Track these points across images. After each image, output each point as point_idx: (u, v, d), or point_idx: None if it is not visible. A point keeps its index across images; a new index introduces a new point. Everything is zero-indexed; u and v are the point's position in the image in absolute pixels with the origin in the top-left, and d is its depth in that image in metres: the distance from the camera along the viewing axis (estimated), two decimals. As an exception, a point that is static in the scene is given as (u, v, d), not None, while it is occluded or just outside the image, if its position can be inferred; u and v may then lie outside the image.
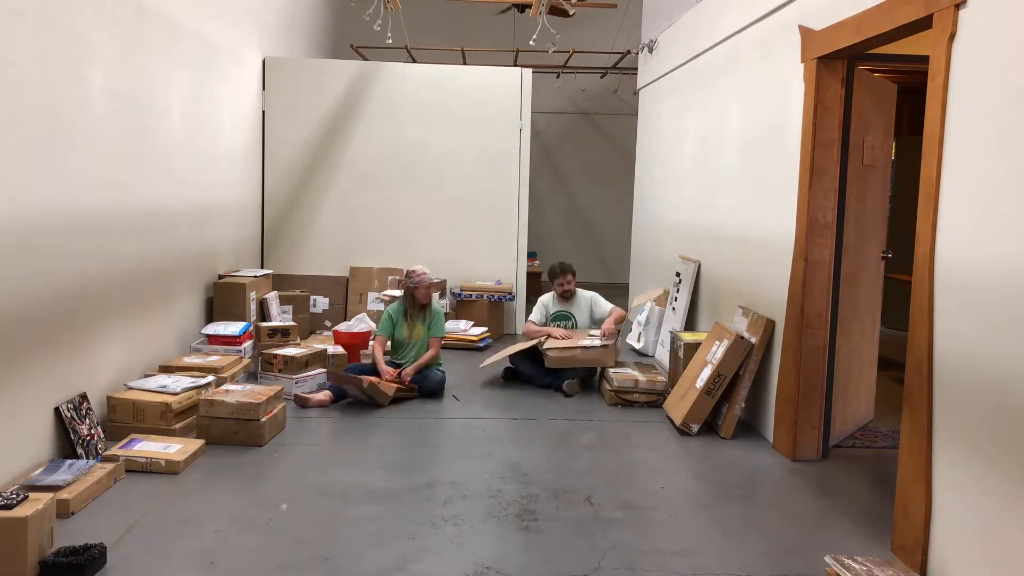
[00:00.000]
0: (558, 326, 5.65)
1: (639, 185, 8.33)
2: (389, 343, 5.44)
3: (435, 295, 5.65)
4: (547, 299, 5.81)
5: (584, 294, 5.78)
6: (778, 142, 4.45)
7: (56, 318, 3.68)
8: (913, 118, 7.35)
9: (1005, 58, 2.60)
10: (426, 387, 5.13)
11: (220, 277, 5.96)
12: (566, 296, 5.70)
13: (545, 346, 5.31)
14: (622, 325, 5.60)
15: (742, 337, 4.52)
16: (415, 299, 5.31)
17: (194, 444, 3.91)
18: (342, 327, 6.23)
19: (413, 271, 5.29)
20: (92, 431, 3.85)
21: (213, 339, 5.32)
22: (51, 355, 3.65)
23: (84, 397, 3.89)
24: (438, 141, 7.28)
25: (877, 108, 4.35)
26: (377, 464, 3.98)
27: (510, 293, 7.16)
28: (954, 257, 2.82)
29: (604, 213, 11.34)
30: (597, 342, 5.24)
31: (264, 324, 5.65)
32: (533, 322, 5.72)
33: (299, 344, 5.60)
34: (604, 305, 5.70)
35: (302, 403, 4.84)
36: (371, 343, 5.56)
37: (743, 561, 3.02)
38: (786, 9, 4.41)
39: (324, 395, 4.93)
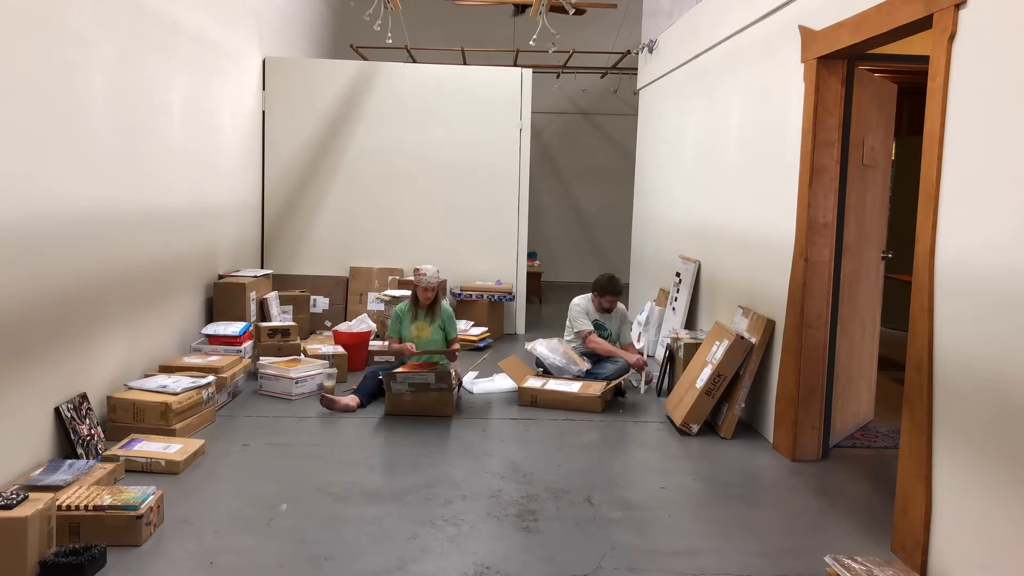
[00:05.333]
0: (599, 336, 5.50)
1: (639, 185, 8.33)
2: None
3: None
4: (587, 304, 5.55)
5: (620, 308, 5.59)
6: (778, 142, 4.45)
7: (56, 318, 3.68)
8: (913, 118, 7.34)
9: (1005, 58, 2.60)
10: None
11: (220, 277, 5.96)
12: (604, 310, 5.51)
13: (542, 385, 5.11)
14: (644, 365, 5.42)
15: (742, 337, 4.52)
16: (418, 299, 5.31)
17: (194, 444, 3.91)
18: (342, 327, 6.24)
19: (417, 270, 5.29)
20: (92, 431, 3.85)
21: (213, 339, 5.32)
22: (51, 355, 3.64)
23: (84, 397, 3.89)
24: (438, 141, 7.28)
25: (877, 108, 4.35)
26: (377, 464, 3.98)
27: (510, 293, 7.16)
28: (954, 257, 2.82)
29: (604, 213, 11.34)
30: (593, 392, 4.96)
31: (264, 324, 5.65)
32: (591, 331, 5.44)
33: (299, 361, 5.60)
34: (628, 333, 5.61)
35: (328, 405, 4.76)
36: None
37: (743, 561, 3.02)
38: (786, 9, 4.41)
39: (351, 399, 4.83)
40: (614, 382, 5.11)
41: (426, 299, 5.26)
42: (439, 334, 5.31)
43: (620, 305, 5.61)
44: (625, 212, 9.13)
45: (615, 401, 5.15)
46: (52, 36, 3.60)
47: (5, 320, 3.27)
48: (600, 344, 5.39)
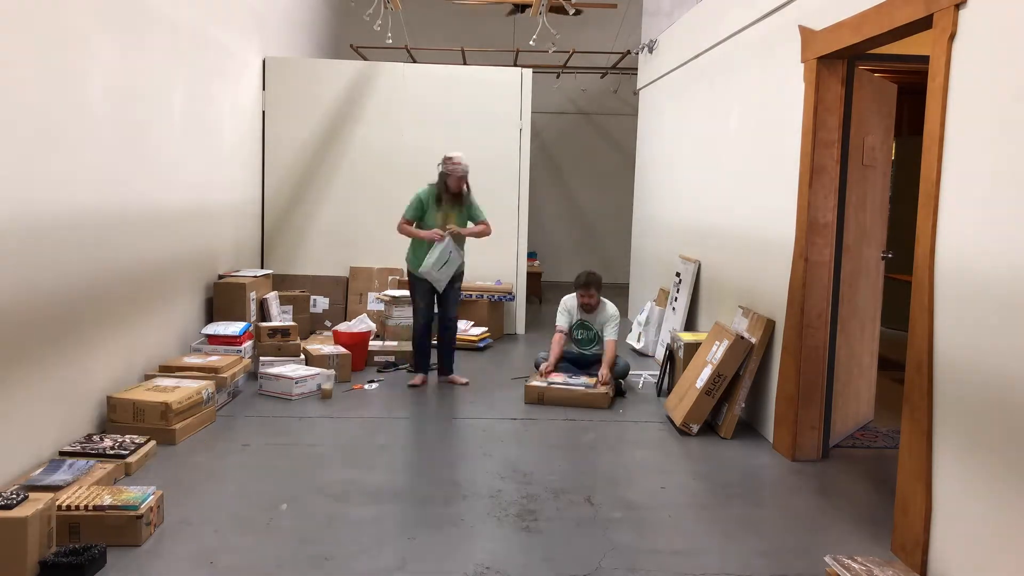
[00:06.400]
0: (579, 335, 5.50)
1: (639, 185, 8.33)
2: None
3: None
4: (572, 303, 5.52)
5: (608, 309, 5.47)
6: (778, 142, 4.45)
7: (56, 318, 3.67)
8: (913, 118, 7.34)
9: (1005, 58, 2.60)
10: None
11: (220, 277, 5.96)
12: (587, 309, 5.46)
13: (549, 382, 5.13)
14: (613, 366, 5.28)
15: (742, 337, 4.52)
16: (447, 186, 5.30)
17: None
18: (342, 327, 6.23)
19: (450, 157, 5.27)
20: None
21: (213, 339, 5.32)
22: (51, 355, 3.64)
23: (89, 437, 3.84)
24: (438, 141, 7.25)
25: (877, 108, 4.35)
26: (377, 464, 3.98)
27: (510, 293, 7.16)
28: (954, 257, 2.82)
29: (604, 213, 11.34)
30: (599, 389, 5.02)
31: (264, 324, 5.65)
32: (561, 330, 5.43)
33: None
34: (610, 331, 5.37)
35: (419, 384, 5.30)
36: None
37: (743, 561, 3.02)
38: (786, 9, 4.41)
39: (418, 379, 5.36)
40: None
41: (459, 187, 5.29)
42: (464, 223, 5.39)
43: (608, 304, 5.52)
44: (625, 212, 9.13)
45: (615, 401, 5.16)
46: (52, 36, 3.60)
47: (5, 320, 3.27)
48: (553, 348, 5.41)
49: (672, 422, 4.69)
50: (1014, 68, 2.56)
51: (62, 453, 3.65)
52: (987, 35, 2.69)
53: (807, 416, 4.16)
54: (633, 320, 7.26)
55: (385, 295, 6.70)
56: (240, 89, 6.41)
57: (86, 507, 2.97)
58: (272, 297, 6.24)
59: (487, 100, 7.27)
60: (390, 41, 7.33)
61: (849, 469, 4.08)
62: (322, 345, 5.79)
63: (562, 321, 5.51)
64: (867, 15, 3.46)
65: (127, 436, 3.85)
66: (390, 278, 7.12)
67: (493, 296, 7.07)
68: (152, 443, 3.88)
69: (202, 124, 5.56)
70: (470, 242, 7.38)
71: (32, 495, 2.79)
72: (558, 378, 5.20)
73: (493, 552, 3.03)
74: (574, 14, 7.05)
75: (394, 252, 7.25)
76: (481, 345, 6.70)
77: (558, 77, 10.48)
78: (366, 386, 5.40)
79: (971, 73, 2.76)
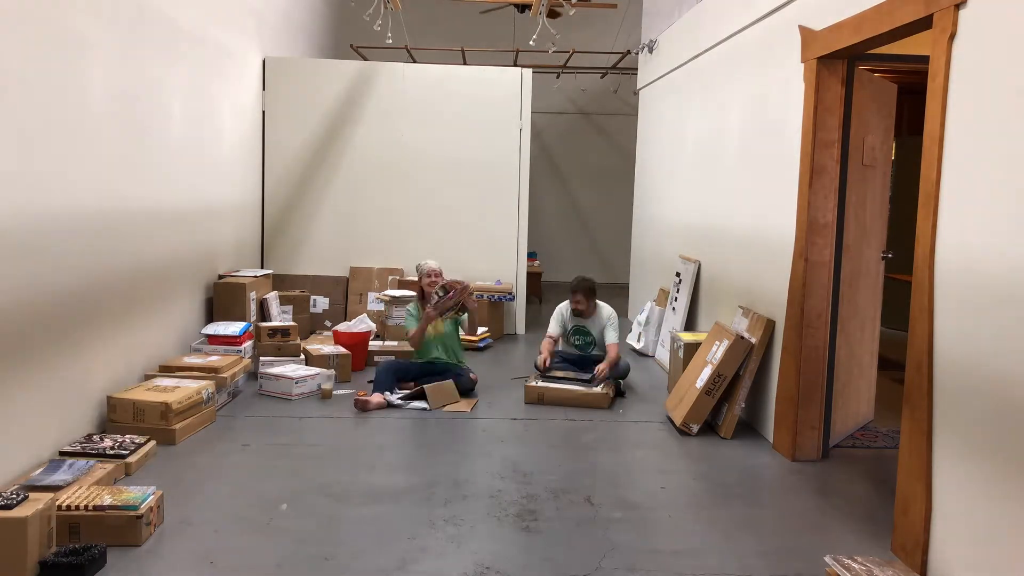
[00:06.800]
0: (576, 340, 5.52)
1: (639, 185, 8.33)
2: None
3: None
4: (566, 308, 5.52)
5: (604, 312, 5.46)
6: (778, 142, 4.45)
7: (56, 318, 3.67)
8: (913, 118, 7.35)
9: (1005, 58, 2.60)
10: (461, 385, 5.15)
11: (220, 277, 5.96)
12: (578, 314, 5.44)
13: (549, 384, 5.12)
14: (615, 366, 5.23)
15: (742, 337, 4.52)
16: (424, 295, 5.35)
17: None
18: (342, 327, 6.24)
19: (420, 266, 5.34)
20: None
21: (213, 339, 5.32)
22: (51, 355, 3.64)
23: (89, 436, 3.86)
24: (438, 141, 7.28)
25: (877, 108, 4.35)
26: (377, 464, 3.98)
27: (510, 293, 7.16)
28: (954, 257, 2.82)
29: (604, 213, 11.35)
30: (596, 388, 5.03)
31: (264, 324, 5.65)
32: (550, 337, 5.44)
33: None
34: (611, 335, 5.35)
35: (363, 407, 4.80)
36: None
37: (743, 561, 3.02)
38: (786, 9, 4.41)
39: (376, 398, 4.88)
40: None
41: (432, 287, 5.30)
42: (452, 326, 5.37)
43: (604, 307, 5.49)
44: (625, 212, 9.13)
45: (615, 401, 5.16)
46: (52, 36, 3.60)
47: (5, 320, 3.27)
48: (542, 350, 5.36)
49: (672, 422, 4.69)
50: (1014, 68, 2.56)
51: (62, 453, 3.65)
52: (987, 35, 2.69)
53: (807, 416, 4.16)
54: (633, 320, 7.26)
55: (385, 295, 6.70)
56: (240, 89, 6.42)
57: (86, 507, 2.97)
58: (272, 297, 6.24)
59: (487, 100, 7.28)
60: (390, 41, 7.33)
61: (849, 469, 4.08)
62: (322, 345, 5.79)
63: (553, 329, 5.50)
64: (867, 15, 3.46)
65: (127, 436, 3.86)
66: (390, 278, 7.12)
67: (493, 296, 7.07)
68: (152, 443, 3.88)
69: (202, 124, 5.56)
70: (471, 241, 7.42)
71: (32, 495, 2.79)
72: (558, 375, 5.22)
73: (493, 552, 3.03)
74: (576, 3, 7.02)
75: (394, 252, 7.28)
76: (481, 345, 6.70)
77: (558, 77, 10.48)
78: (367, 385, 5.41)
79: (971, 73, 2.76)
